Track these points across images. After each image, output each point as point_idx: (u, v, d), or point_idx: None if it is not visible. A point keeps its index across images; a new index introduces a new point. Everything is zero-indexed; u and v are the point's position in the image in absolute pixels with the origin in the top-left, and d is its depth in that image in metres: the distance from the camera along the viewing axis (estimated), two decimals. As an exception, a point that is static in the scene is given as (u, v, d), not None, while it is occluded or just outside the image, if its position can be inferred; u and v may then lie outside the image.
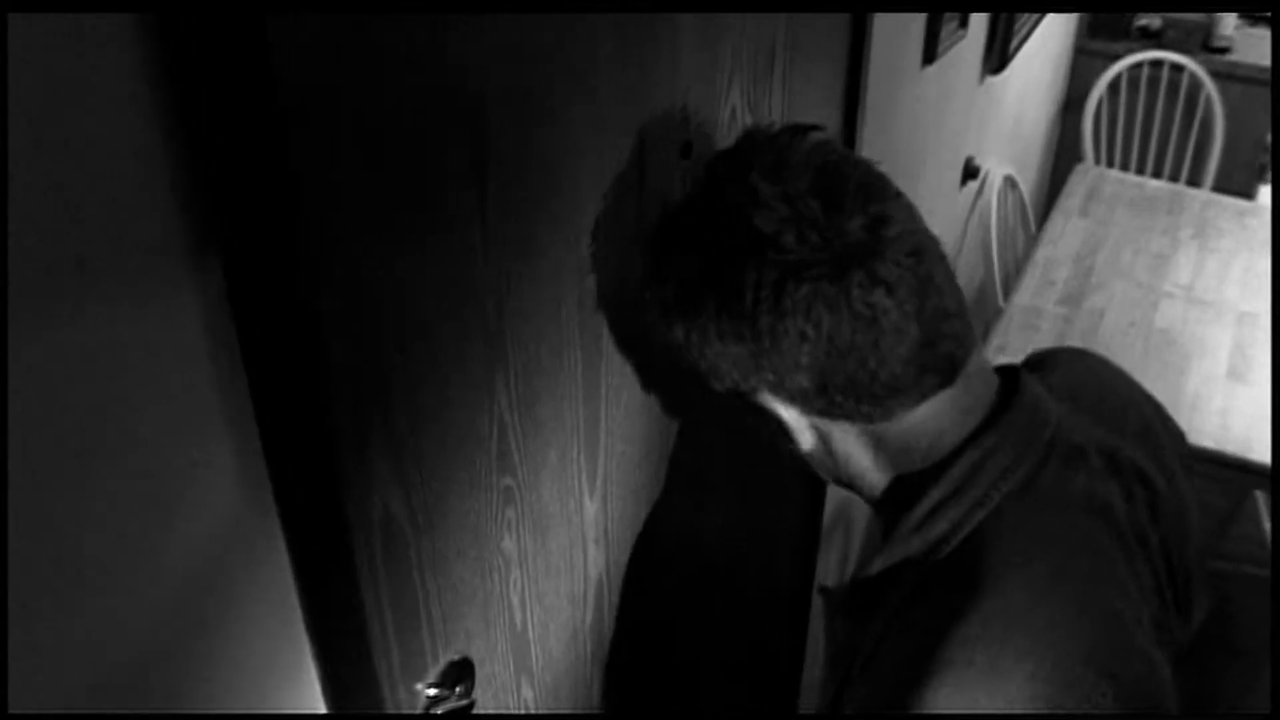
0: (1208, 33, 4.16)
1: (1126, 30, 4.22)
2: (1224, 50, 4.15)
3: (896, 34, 1.74)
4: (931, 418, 0.91)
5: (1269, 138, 4.25)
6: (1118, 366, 1.15)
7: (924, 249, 0.86)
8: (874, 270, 0.82)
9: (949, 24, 2.01)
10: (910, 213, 0.88)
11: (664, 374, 1.23)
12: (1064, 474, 0.92)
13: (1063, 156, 4.14)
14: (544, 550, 1.06)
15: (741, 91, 1.22)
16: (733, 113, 1.21)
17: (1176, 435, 1.12)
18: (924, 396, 0.89)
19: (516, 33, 0.81)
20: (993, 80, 2.62)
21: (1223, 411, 2.39)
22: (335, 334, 0.71)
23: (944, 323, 0.87)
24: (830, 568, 2.25)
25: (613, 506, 1.19)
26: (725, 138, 1.21)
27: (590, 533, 1.15)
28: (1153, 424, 1.07)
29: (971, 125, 2.55)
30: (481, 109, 0.79)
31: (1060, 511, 0.91)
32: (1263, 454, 2.28)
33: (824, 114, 1.51)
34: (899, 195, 0.89)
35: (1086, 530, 0.90)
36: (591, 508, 1.14)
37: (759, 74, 1.26)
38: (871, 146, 1.73)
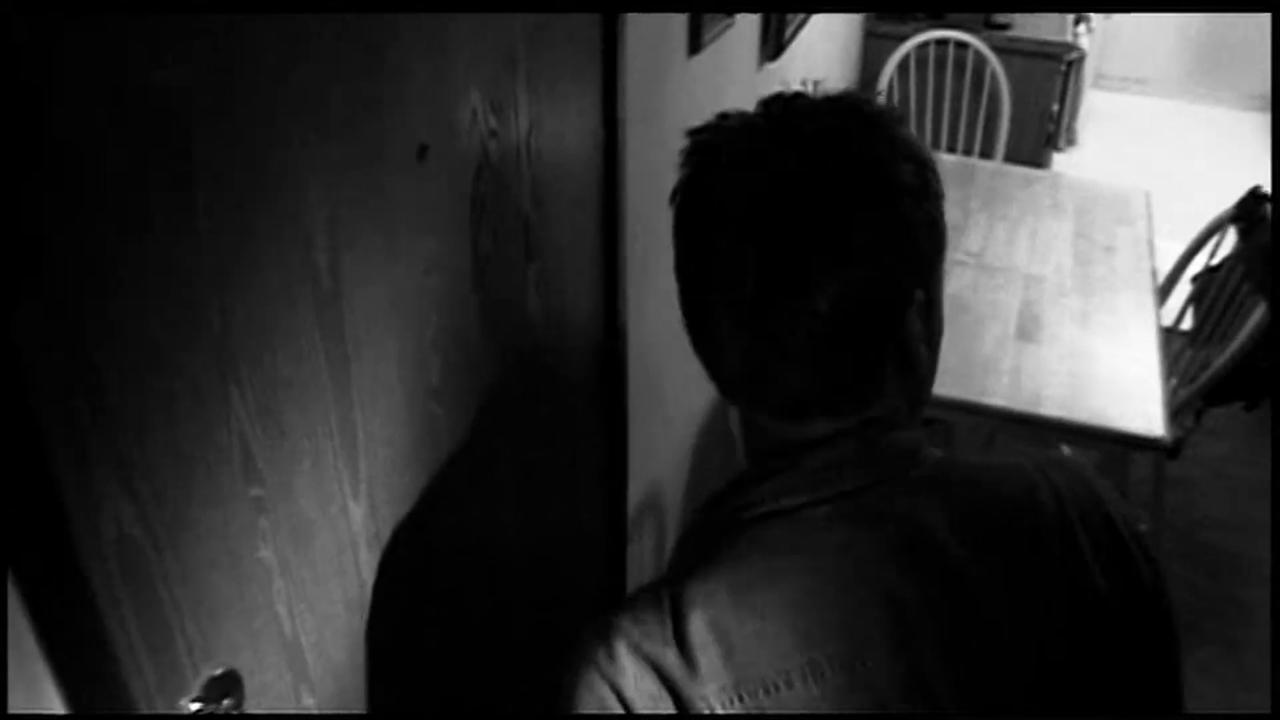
0: (989, 11, 4.35)
1: (912, 11, 4.39)
2: (1005, 27, 4.36)
3: (656, 26, 1.80)
4: None
5: (1054, 106, 4.47)
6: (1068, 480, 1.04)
7: None
8: None
9: (714, 13, 2.08)
10: None
11: (435, 375, 1.27)
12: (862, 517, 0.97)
13: (861, 137, 4.28)
14: (308, 558, 1.09)
15: (482, 93, 1.26)
16: (473, 114, 1.25)
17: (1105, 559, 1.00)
18: None
19: (229, 44, 0.84)
20: (772, 66, 2.71)
21: (1013, 370, 2.52)
22: (39, 353, 0.73)
23: None
24: (645, 560, 2.31)
25: (383, 510, 1.21)
26: (467, 139, 1.25)
27: (360, 537, 1.18)
28: (1047, 547, 0.98)
29: (754, 112, 2.64)
30: (186, 117, 0.82)
31: (821, 549, 0.96)
32: (1051, 409, 2.41)
33: (579, 109, 1.57)
34: None
35: (828, 573, 0.95)
36: (358, 512, 1.16)
37: (500, 74, 1.30)
38: (640, 137, 1.79)
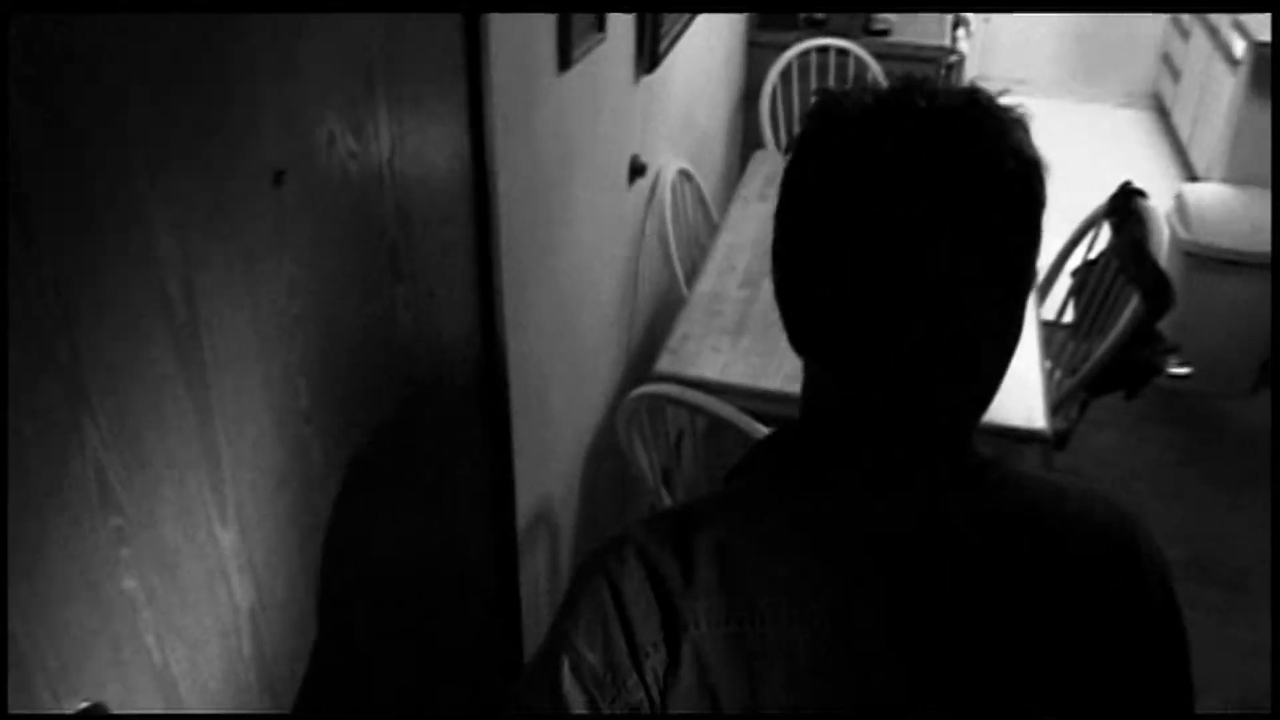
0: (867, 18, 4.44)
1: (794, 21, 4.47)
2: (884, 33, 4.46)
3: (523, 42, 1.82)
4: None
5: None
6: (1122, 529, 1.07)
7: None
8: None
9: (583, 28, 2.11)
10: None
11: (304, 398, 1.28)
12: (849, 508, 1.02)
13: (749, 145, 4.34)
14: (176, 586, 1.09)
15: (339, 116, 1.28)
16: (331, 137, 1.27)
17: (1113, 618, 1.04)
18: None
19: (64, 72, 0.84)
20: (650, 79, 2.75)
21: (896, 371, 2.57)
22: None
23: None
24: (539, 575, 2.32)
25: (254, 534, 1.22)
26: (325, 163, 1.26)
27: (231, 563, 1.18)
28: (1065, 589, 1.02)
29: (633, 124, 2.67)
30: (16, 149, 0.82)
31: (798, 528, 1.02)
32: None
33: (445, 129, 1.58)
34: None
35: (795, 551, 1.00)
36: (227, 538, 1.17)
37: (357, 96, 1.32)
38: (512, 155, 1.81)
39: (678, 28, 2.94)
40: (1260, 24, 4.40)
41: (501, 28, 1.69)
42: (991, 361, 1.02)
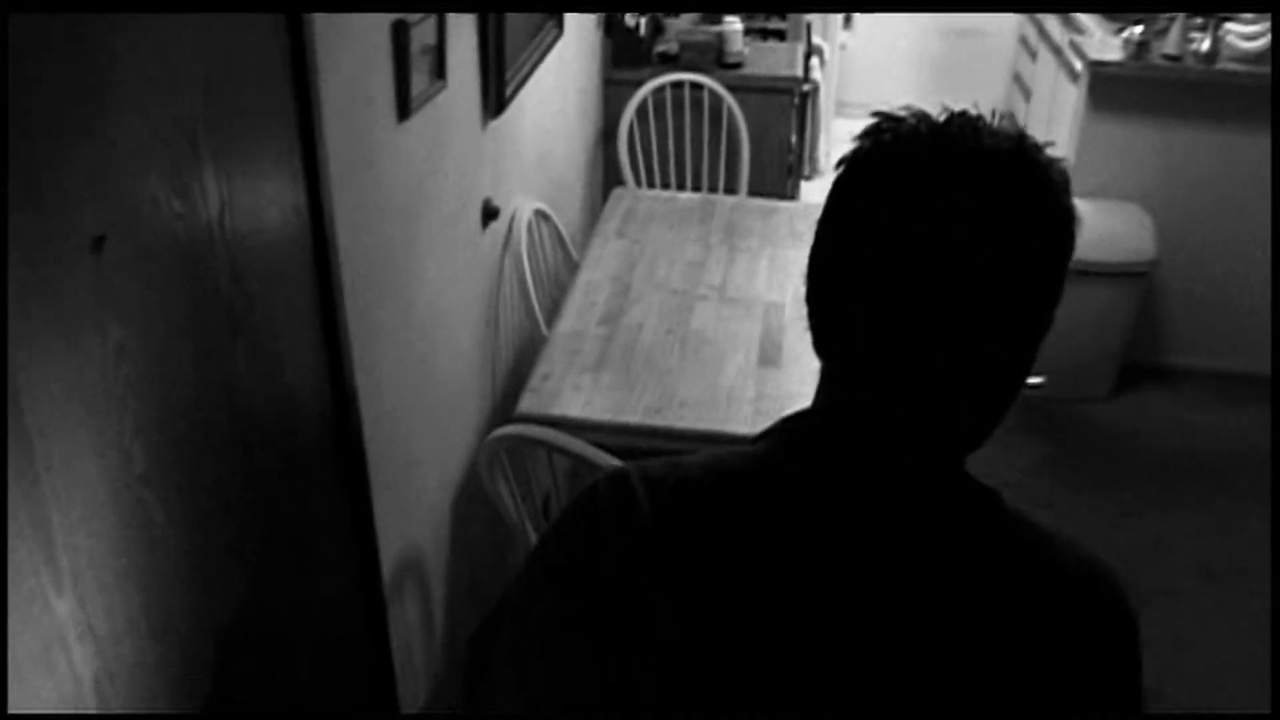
0: (720, 51, 4.54)
1: (648, 57, 4.56)
2: (737, 66, 4.56)
3: (357, 94, 1.85)
4: None
5: (793, 138, 4.69)
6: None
7: None
8: None
9: (421, 78, 2.15)
10: None
11: (141, 463, 1.28)
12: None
13: (610, 182, 4.41)
14: (11, 659, 1.09)
15: (161, 178, 1.30)
16: (154, 201, 1.28)
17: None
18: None
19: None
20: (498, 123, 2.79)
21: (756, 398, 2.64)
22: None
23: None
24: (411, 623, 2.33)
25: (94, 601, 1.22)
26: (150, 226, 1.27)
27: (69, 631, 1.18)
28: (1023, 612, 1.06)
29: (483, 168, 2.71)
30: None
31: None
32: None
33: (278, 184, 1.61)
34: None
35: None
36: (63, 606, 1.17)
37: (180, 158, 1.34)
38: (353, 205, 1.83)
39: (524, 72, 2.99)
40: (1095, 45, 4.60)
41: (333, 81, 1.72)
42: (1004, 391, 1.07)
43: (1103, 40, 4.75)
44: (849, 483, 1.05)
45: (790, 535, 1.05)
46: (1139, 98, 4.44)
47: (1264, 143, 4.36)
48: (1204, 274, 4.64)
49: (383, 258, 2.01)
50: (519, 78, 2.93)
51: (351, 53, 1.82)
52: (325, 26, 1.67)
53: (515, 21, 2.86)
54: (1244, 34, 4.42)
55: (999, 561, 1.07)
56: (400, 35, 2.01)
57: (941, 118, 1.04)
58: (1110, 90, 4.44)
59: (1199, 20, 4.46)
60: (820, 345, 1.10)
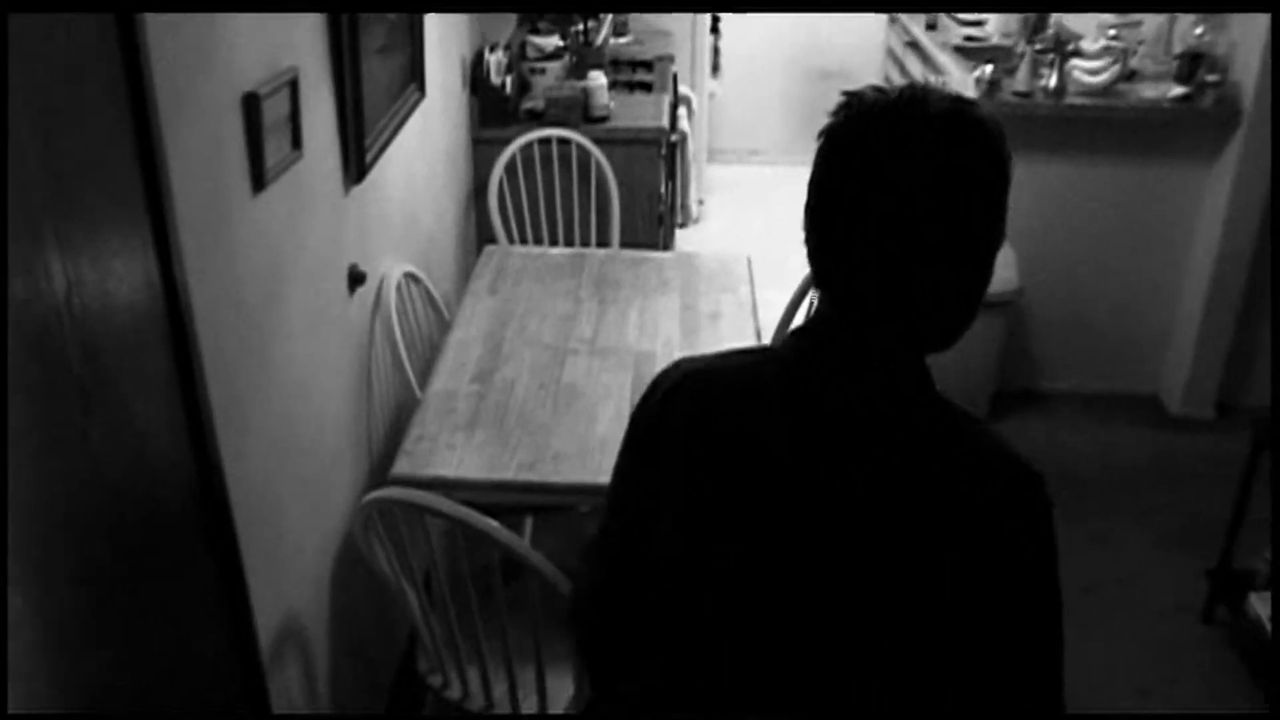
0: (586, 106, 4.64)
1: (515, 115, 4.63)
2: (604, 119, 4.66)
3: (209, 168, 1.88)
4: None
5: (662, 188, 4.79)
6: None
7: None
8: None
9: (277, 149, 2.18)
10: None
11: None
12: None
13: (483, 241, 4.46)
14: None
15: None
16: None
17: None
18: None
19: None
20: (361, 188, 2.83)
21: (630, 446, 2.70)
22: None
23: None
24: (293, 690, 2.34)
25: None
26: (-7, 309, 1.30)
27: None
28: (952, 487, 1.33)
29: (348, 234, 2.75)
30: None
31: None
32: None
33: (128, 261, 1.63)
34: None
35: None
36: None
37: (21, 237, 1.36)
38: (210, 278, 1.86)
39: (385, 136, 3.04)
40: (950, 86, 4.79)
41: (183, 156, 1.75)
42: (965, 303, 1.33)
43: (961, 79, 4.94)
44: (835, 378, 1.34)
45: (778, 414, 1.36)
46: (992, 134, 4.62)
47: (1111, 171, 4.59)
48: (1066, 301, 4.84)
49: (244, 327, 2.04)
50: (380, 142, 2.98)
51: (201, 128, 1.85)
52: (171, 103, 1.71)
53: (375, 86, 2.91)
54: (1088, 69, 4.65)
55: (945, 448, 1.34)
56: (251, 108, 2.05)
57: (893, 92, 1.30)
58: (965, 128, 4.63)
59: (1048, 57, 4.67)
60: (816, 279, 1.37)
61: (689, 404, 1.43)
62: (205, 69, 1.87)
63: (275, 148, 2.19)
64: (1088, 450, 4.62)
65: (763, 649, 1.37)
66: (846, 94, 1.32)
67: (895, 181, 1.25)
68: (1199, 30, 4.61)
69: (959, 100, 1.28)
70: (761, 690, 1.38)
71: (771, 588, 1.35)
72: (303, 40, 2.41)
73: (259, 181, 2.11)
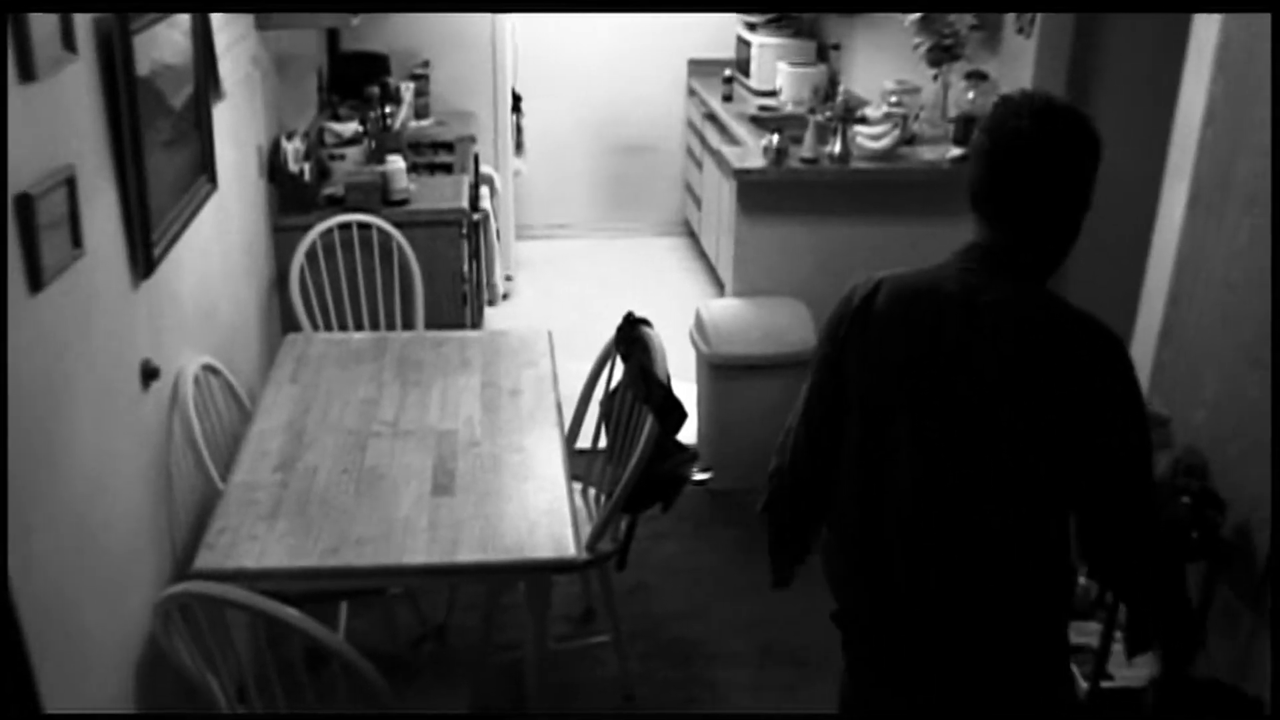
0: (385, 190, 4.70)
1: (315, 201, 4.66)
2: (404, 202, 4.73)
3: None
4: None
5: (465, 268, 4.86)
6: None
7: None
8: None
9: (55, 248, 2.18)
10: None
11: None
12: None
13: (287, 329, 4.45)
14: None
15: None
16: None
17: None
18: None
19: None
20: (151, 283, 2.83)
21: (431, 526, 2.76)
22: None
23: None
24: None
25: None
26: None
27: None
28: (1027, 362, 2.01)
29: (138, 330, 2.74)
30: None
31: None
32: (468, 555, 2.65)
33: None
34: None
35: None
36: None
37: None
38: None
39: (175, 229, 3.04)
40: (740, 155, 5.01)
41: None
42: (1065, 233, 2.04)
43: (754, 147, 5.17)
44: (979, 279, 2.03)
45: (954, 305, 2.02)
46: (782, 200, 4.86)
47: (895, 230, 4.83)
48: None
49: (27, 430, 2.03)
50: (170, 235, 2.98)
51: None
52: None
53: (161, 179, 2.92)
54: (870, 134, 4.90)
55: (1059, 324, 2.00)
56: (24, 209, 2.05)
57: (1018, 95, 2.05)
58: (756, 195, 4.84)
59: (832, 126, 4.91)
60: (977, 218, 2.08)
61: (892, 293, 2.09)
62: (-27, 173, 1.88)
63: (53, 247, 2.19)
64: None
65: (926, 495, 2.04)
66: (1002, 98, 2.07)
67: (1027, 147, 1.96)
68: (970, 95, 4.91)
69: (1050, 98, 2.02)
70: (923, 525, 2.05)
71: (939, 436, 2.02)
72: (82, 136, 2.42)
73: (36, 282, 2.10)
